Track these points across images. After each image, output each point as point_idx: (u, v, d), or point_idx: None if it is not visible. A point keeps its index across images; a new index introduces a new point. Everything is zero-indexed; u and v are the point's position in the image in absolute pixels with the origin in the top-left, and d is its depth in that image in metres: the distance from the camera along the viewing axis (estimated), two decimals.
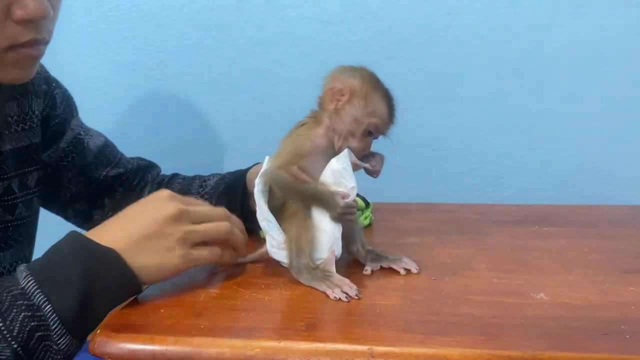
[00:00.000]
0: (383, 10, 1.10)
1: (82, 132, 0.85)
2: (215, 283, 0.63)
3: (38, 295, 0.50)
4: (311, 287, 0.59)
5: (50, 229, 0.76)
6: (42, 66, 0.80)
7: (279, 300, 0.57)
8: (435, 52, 1.10)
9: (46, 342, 0.50)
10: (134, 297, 0.57)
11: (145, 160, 0.93)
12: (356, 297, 0.56)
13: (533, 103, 1.10)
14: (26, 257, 0.75)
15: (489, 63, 1.09)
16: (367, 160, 0.66)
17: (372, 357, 0.45)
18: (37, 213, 0.79)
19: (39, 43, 0.60)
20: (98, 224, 0.60)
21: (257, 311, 0.55)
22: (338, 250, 0.61)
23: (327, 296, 0.57)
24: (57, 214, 0.88)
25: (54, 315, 0.50)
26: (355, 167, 0.65)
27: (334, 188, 0.61)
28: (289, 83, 1.14)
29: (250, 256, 0.69)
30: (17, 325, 0.49)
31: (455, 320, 0.51)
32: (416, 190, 1.14)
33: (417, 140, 1.13)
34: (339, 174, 0.62)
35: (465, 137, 1.13)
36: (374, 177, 0.67)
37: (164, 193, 0.61)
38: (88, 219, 0.88)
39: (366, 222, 0.87)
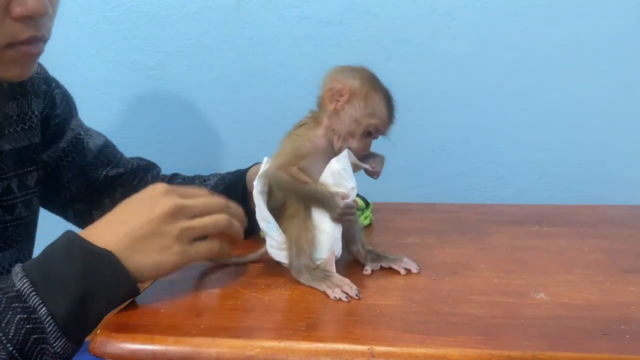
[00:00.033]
0: (383, 10, 1.10)
1: (81, 132, 0.85)
2: (215, 283, 0.63)
3: (33, 298, 0.50)
4: (311, 287, 0.59)
5: (50, 229, 0.76)
6: (41, 66, 0.80)
7: (279, 300, 0.57)
8: (435, 52, 1.10)
9: (42, 345, 0.50)
10: (131, 299, 0.57)
11: (145, 160, 0.93)
12: (356, 297, 0.56)
13: (533, 103, 1.10)
14: (25, 257, 0.75)
15: (488, 63, 1.09)
16: (367, 161, 0.66)
17: (372, 357, 0.45)
18: (36, 213, 0.79)
19: (38, 40, 0.60)
20: None
21: (257, 311, 0.55)
22: (338, 251, 0.61)
23: (327, 296, 0.57)
24: (57, 214, 0.88)
25: (49, 318, 0.50)
26: (355, 168, 0.65)
27: (333, 189, 0.61)
28: (289, 83, 1.14)
29: (251, 256, 0.69)
30: (13, 327, 0.49)
31: (455, 320, 0.51)
32: (416, 190, 1.14)
33: (417, 140, 1.13)
34: (338, 175, 0.62)
35: (465, 137, 1.13)
36: (374, 178, 0.67)
37: (159, 188, 0.60)
38: (88, 219, 0.88)
39: (366, 222, 0.87)
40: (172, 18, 1.15)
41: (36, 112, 0.76)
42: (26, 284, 0.51)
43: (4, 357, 0.48)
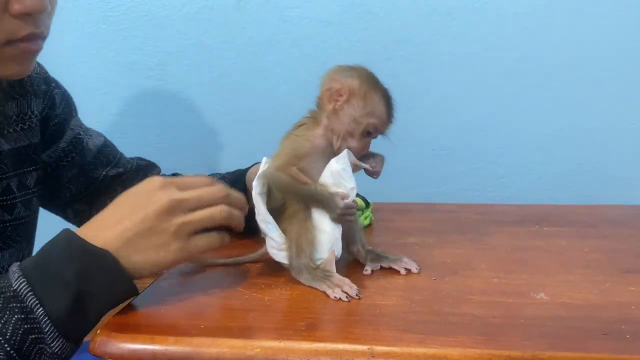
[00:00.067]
0: (383, 10, 1.10)
1: (81, 132, 0.85)
2: (215, 283, 0.63)
3: (30, 298, 0.50)
4: (311, 287, 0.59)
5: (50, 229, 0.76)
6: (41, 67, 0.80)
7: (279, 300, 0.57)
8: (435, 52, 1.10)
9: (40, 345, 0.49)
10: (130, 300, 0.57)
11: (145, 160, 0.93)
12: (356, 297, 0.56)
13: (533, 103, 1.10)
14: (25, 258, 0.75)
15: (488, 63, 1.10)
16: (367, 161, 0.66)
17: (372, 357, 0.45)
18: (36, 213, 0.78)
19: (37, 38, 0.60)
20: None
21: (257, 311, 0.54)
22: (338, 251, 0.61)
23: (328, 296, 0.57)
24: (57, 214, 0.88)
25: (46, 318, 0.49)
26: (355, 168, 0.65)
27: (333, 189, 0.61)
28: (289, 83, 1.14)
29: (251, 256, 0.69)
30: (10, 328, 0.48)
31: (455, 320, 0.51)
32: (416, 190, 1.14)
33: (417, 140, 1.13)
34: (338, 175, 0.62)
35: (465, 137, 1.13)
36: (374, 178, 0.67)
37: (155, 182, 0.58)
38: (88, 219, 0.88)
39: (366, 222, 0.87)
40: (172, 18, 1.15)
41: (36, 112, 0.76)
42: (23, 284, 0.50)
43: (1, 357, 0.48)
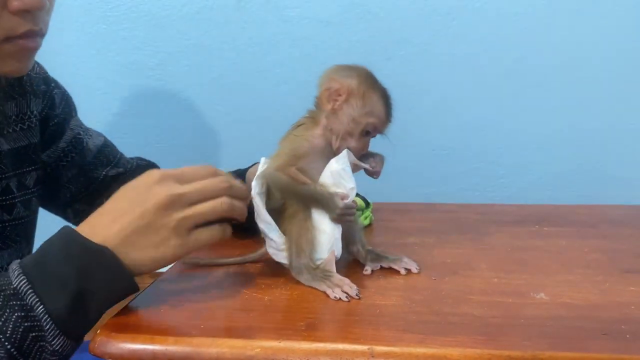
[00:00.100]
0: (383, 10, 1.10)
1: (81, 132, 0.85)
2: (215, 283, 0.63)
3: (30, 296, 0.50)
4: (311, 287, 0.59)
5: (50, 228, 0.76)
6: (41, 67, 0.80)
7: (279, 300, 0.57)
8: (435, 52, 1.10)
9: (41, 343, 0.49)
10: (131, 296, 0.56)
11: (145, 160, 0.93)
12: (356, 297, 0.56)
13: (533, 103, 1.10)
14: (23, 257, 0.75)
15: (488, 63, 1.10)
16: (367, 161, 0.66)
17: (372, 357, 0.45)
18: (35, 213, 0.78)
19: (36, 35, 0.60)
20: None
21: (257, 311, 0.54)
22: (338, 251, 0.61)
23: (327, 296, 0.57)
24: (57, 214, 0.88)
25: (47, 316, 0.49)
26: (355, 168, 0.65)
27: (333, 189, 0.61)
28: (289, 83, 1.14)
29: (251, 256, 0.69)
30: (11, 326, 0.48)
31: (455, 320, 0.51)
32: (416, 190, 1.14)
33: (417, 140, 1.13)
34: (338, 175, 0.62)
35: (465, 137, 1.13)
36: (375, 178, 0.67)
37: (154, 176, 0.57)
38: None
39: (366, 222, 0.87)
40: (172, 18, 1.15)
41: (35, 112, 0.76)
42: (23, 282, 0.50)
43: (2, 355, 0.48)
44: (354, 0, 1.10)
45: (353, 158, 0.63)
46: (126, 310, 0.55)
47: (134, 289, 0.55)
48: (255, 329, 0.50)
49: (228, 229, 0.60)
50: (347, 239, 0.65)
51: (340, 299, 0.56)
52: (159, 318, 0.53)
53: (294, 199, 0.62)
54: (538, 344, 0.46)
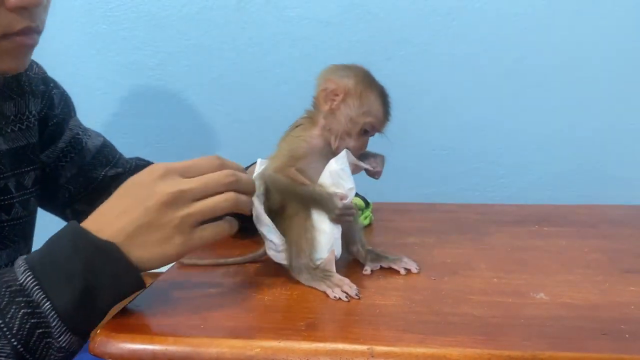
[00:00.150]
0: (383, 10, 1.10)
1: (80, 132, 0.85)
2: (215, 283, 0.63)
3: (37, 292, 0.49)
4: (311, 287, 0.59)
5: (48, 229, 0.76)
6: (39, 67, 0.80)
7: (279, 300, 0.57)
8: (435, 52, 1.10)
9: (47, 340, 0.49)
10: (138, 292, 0.56)
11: (144, 160, 0.93)
12: (356, 297, 0.56)
13: (533, 103, 1.10)
14: None
15: (488, 63, 1.10)
16: (367, 161, 0.66)
17: (372, 356, 0.45)
18: (34, 213, 0.78)
19: (33, 31, 0.60)
20: None
21: (257, 311, 0.54)
22: (338, 251, 0.61)
23: (327, 296, 0.57)
24: (56, 214, 0.88)
25: (53, 312, 0.49)
26: (356, 169, 0.65)
27: (332, 189, 0.61)
28: (289, 83, 1.14)
29: (250, 256, 0.69)
30: (17, 322, 0.48)
31: (455, 320, 0.51)
32: (416, 190, 1.14)
33: (417, 140, 1.13)
34: (336, 175, 0.62)
35: (465, 137, 1.13)
36: (376, 178, 0.67)
37: (158, 170, 0.55)
38: None
39: (366, 222, 0.87)
40: (172, 18, 1.15)
41: (34, 112, 0.76)
42: (29, 278, 0.50)
43: (8, 351, 0.48)
44: (354, 0, 1.10)
45: (353, 158, 0.63)
46: (126, 310, 0.55)
47: (141, 285, 0.54)
48: (255, 329, 0.50)
49: (235, 224, 0.58)
50: (347, 239, 0.65)
51: (340, 298, 0.56)
52: (159, 318, 0.53)
53: (294, 199, 0.62)
54: (538, 344, 0.46)
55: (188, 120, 1.19)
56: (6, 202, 0.71)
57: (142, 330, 0.51)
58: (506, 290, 0.58)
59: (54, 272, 0.50)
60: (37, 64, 0.80)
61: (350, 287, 0.57)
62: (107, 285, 0.51)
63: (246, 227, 0.65)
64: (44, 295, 0.49)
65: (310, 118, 0.66)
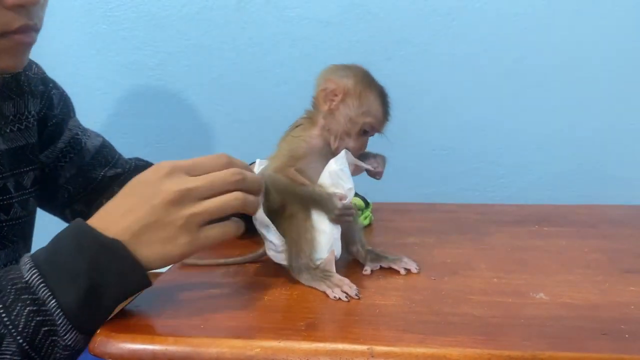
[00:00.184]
0: (383, 10, 1.10)
1: (79, 133, 0.85)
2: (215, 283, 0.63)
3: (42, 289, 0.49)
4: (311, 287, 0.59)
5: (48, 229, 0.76)
6: (39, 67, 0.80)
7: (279, 300, 0.57)
8: (435, 52, 1.10)
9: (53, 338, 0.49)
10: (143, 290, 0.55)
11: (143, 160, 0.93)
12: (356, 297, 0.56)
13: (533, 103, 1.10)
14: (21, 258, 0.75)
15: (488, 63, 1.10)
16: (368, 162, 0.66)
17: (372, 356, 0.45)
18: (33, 213, 0.78)
19: (31, 29, 0.60)
20: None
21: (257, 311, 0.54)
22: (338, 251, 0.61)
23: (327, 296, 0.57)
24: (55, 214, 0.88)
25: (59, 310, 0.49)
26: (357, 170, 0.65)
27: (331, 190, 0.61)
28: (289, 83, 1.14)
29: (250, 256, 0.69)
30: (23, 320, 0.48)
31: (455, 320, 0.51)
32: (416, 190, 1.14)
33: (417, 140, 1.13)
34: (336, 176, 0.61)
35: (465, 137, 1.13)
36: (377, 179, 0.67)
37: (164, 168, 0.54)
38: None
39: (366, 222, 0.87)
40: (172, 18, 1.15)
41: (33, 112, 0.76)
42: (35, 275, 0.49)
43: (13, 349, 0.47)
44: (354, 0, 1.10)
45: (353, 159, 0.63)
46: (126, 310, 0.55)
47: (147, 283, 0.54)
48: (255, 329, 0.50)
49: (241, 225, 0.57)
50: (347, 239, 0.65)
51: (339, 299, 0.56)
52: (159, 318, 0.53)
53: (293, 200, 0.62)
54: (538, 344, 0.46)
55: (188, 120, 1.19)
56: (5, 202, 0.71)
57: (142, 330, 0.50)
58: (506, 290, 0.58)
59: (59, 270, 0.50)
60: (36, 64, 0.80)
61: (350, 287, 0.57)
62: (112, 284, 0.51)
63: (246, 227, 0.65)
64: (49, 293, 0.49)
65: (310, 118, 0.66)
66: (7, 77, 0.73)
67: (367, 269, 0.64)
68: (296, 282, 0.61)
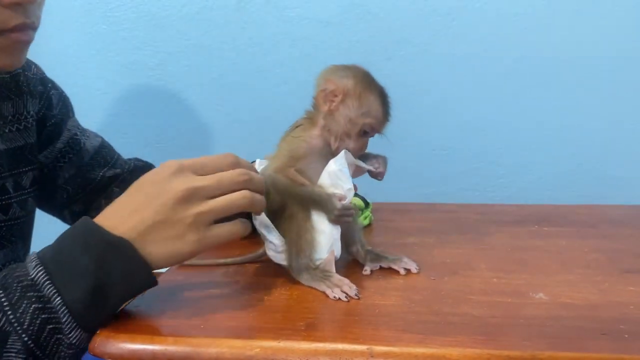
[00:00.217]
0: (383, 10, 1.10)
1: (78, 133, 0.85)
2: (214, 283, 0.63)
3: (48, 287, 0.49)
4: (311, 287, 0.59)
5: (47, 229, 0.76)
6: (38, 67, 0.80)
7: (279, 300, 0.57)
8: (435, 52, 1.10)
9: (58, 336, 0.49)
10: (149, 289, 0.55)
11: (142, 161, 0.93)
12: (356, 297, 0.56)
13: (533, 103, 1.10)
14: (20, 258, 0.75)
15: (488, 63, 1.10)
16: (370, 162, 0.66)
17: (372, 356, 0.45)
18: (32, 213, 0.78)
19: (28, 28, 0.60)
20: None
21: (257, 311, 0.55)
22: (337, 251, 0.61)
23: (327, 296, 0.57)
24: (54, 215, 0.88)
25: (64, 308, 0.48)
26: (359, 171, 0.65)
27: (331, 190, 0.61)
28: (289, 83, 1.14)
29: (250, 256, 0.69)
30: (28, 317, 0.48)
31: (455, 320, 0.51)
32: (416, 190, 1.14)
33: (417, 140, 1.13)
34: (335, 176, 0.61)
35: (465, 137, 1.13)
36: (379, 179, 0.67)
37: (172, 167, 0.54)
38: None
39: (366, 222, 0.87)
40: (172, 18, 1.15)
41: (32, 112, 0.77)
42: (41, 273, 0.49)
43: (18, 347, 0.47)
44: (354, 0, 1.10)
45: (353, 159, 0.63)
46: (126, 310, 0.55)
47: (153, 283, 0.54)
48: (255, 329, 0.50)
49: (248, 225, 0.58)
50: (347, 239, 0.65)
51: (339, 299, 0.56)
52: (158, 318, 0.53)
53: (293, 200, 0.62)
54: (537, 344, 0.46)
55: (188, 120, 1.19)
56: (4, 202, 0.71)
57: (142, 330, 0.50)
58: (506, 290, 0.58)
59: (65, 268, 0.50)
60: (35, 64, 0.80)
61: (350, 287, 0.57)
62: (118, 282, 0.51)
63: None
64: (55, 291, 0.49)
65: (310, 118, 0.66)
66: (6, 78, 0.73)
67: (367, 269, 0.64)
68: (296, 282, 0.61)
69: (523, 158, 1.12)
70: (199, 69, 1.16)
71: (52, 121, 0.81)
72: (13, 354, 0.47)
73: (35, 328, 0.48)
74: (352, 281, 0.58)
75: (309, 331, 0.49)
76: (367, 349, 0.46)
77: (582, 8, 1.06)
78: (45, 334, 0.48)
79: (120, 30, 1.16)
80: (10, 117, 0.73)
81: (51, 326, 0.48)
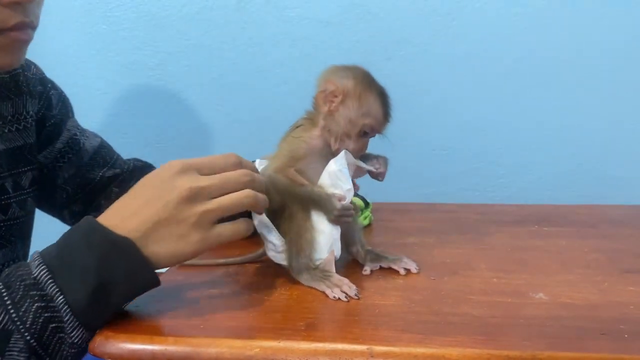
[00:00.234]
0: (383, 10, 1.10)
1: (77, 133, 0.85)
2: (214, 283, 0.63)
3: (51, 286, 0.49)
4: (311, 287, 0.59)
5: (47, 229, 0.76)
6: (37, 67, 0.80)
7: (279, 300, 0.57)
8: (435, 52, 1.10)
9: (60, 335, 0.49)
10: (152, 288, 0.55)
11: (141, 161, 0.93)
12: (355, 297, 0.56)
13: (533, 103, 1.10)
14: (19, 258, 0.75)
15: (488, 63, 1.10)
16: (370, 163, 0.66)
17: (372, 356, 0.45)
18: (31, 213, 0.78)
19: (27, 27, 0.60)
20: None
21: (256, 311, 0.55)
22: (337, 251, 0.61)
23: (327, 296, 0.57)
24: (53, 215, 0.88)
25: (67, 307, 0.48)
26: (360, 171, 0.65)
27: (330, 190, 0.61)
28: (289, 83, 1.14)
29: (250, 256, 0.69)
30: (31, 316, 0.48)
31: (455, 320, 0.51)
32: (416, 190, 1.14)
33: (417, 140, 1.13)
34: (335, 176, 0.61)
35: (465, 137, 1.13)
36: (380, 180, 0.67)
37: (175, 166, 0.54)
38: None
39: (366, 222, 0.87)
40: (172, 18, 1.15)
41: (31, 112, 0.77)
42: (44, 271, 0.49)
43: (21, 345, 0.47)
44: (354, 0, 1.10)
45: (353, 159, 0.63)
46: (126, 310, 0.55)
47: (156, 282, 0.54)
48: (255, 329, 0.50)
49: (251, 225, 0.58)
50: (347, 239, 0.65)
51: (339, 299, 0.56)
52: (158, 318, 0.53)
53: (293, 200, 0.62)
54: (537, 344, 0.46)
55: (188, 120, 1.19)
56: (3, 202, 0.71)
57: (141, 330, 0.50)
58: (506, 290, 0.58)
59: (68, 267, 0.50)
60: (35, 64, 0.80)
61: (350, 287, 0.57)
62: (121, 282, 0.51)
63: None
64: (57, 289, 0.49)
65: (310, 119, 0.66)
66: (6, 77, 0.74)
67: (367, 269, 0.64)
68: (296, 282, 0.61)
69: (523, 158, 1.12)
70: (199, 69, 1.16)
71: (52, 121, 0.81)
72: (15, 353, 0.47)
73: (38, 327, 0.48)
74: (352, 281, 0.58)
75: (309, 331, 0.49)
76: (367, 349, 0.46)
77: (582, 8, 1.06)
78: (47, 333, 0.48)
79: (120, 30, 1.16)
80: (9, 117, 0.73)
81: (54, 325, 0.48)
